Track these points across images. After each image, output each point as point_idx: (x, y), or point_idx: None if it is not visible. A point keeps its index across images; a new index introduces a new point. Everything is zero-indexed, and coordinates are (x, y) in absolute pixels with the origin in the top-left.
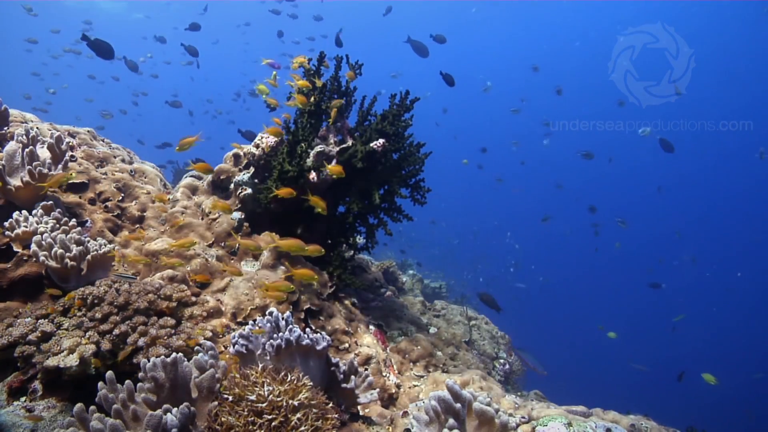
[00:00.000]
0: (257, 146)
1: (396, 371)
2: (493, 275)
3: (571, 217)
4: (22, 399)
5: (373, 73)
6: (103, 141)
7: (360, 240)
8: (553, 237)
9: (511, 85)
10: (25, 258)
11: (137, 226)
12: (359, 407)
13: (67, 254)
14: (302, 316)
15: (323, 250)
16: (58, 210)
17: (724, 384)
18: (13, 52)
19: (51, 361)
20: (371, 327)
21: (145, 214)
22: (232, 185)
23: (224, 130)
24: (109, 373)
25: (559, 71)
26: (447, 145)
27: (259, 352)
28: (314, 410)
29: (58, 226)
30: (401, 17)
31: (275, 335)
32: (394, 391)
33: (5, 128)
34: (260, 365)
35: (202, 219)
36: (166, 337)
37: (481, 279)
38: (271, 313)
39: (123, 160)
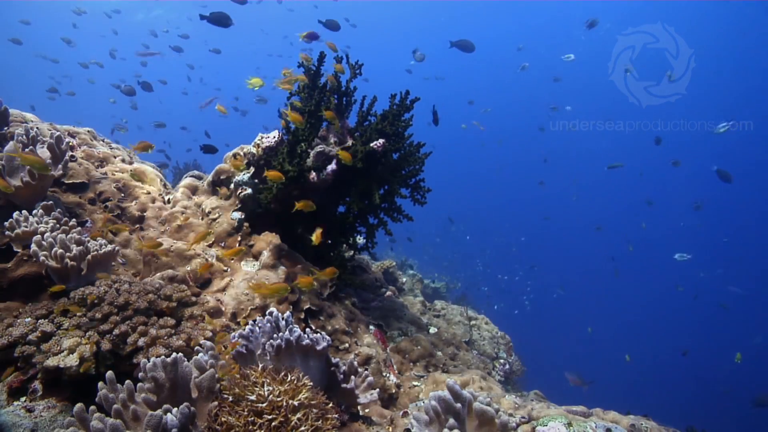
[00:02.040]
0: (257, 146)
1: (396, 371)
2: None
3: (574, 218)
4: (22, 399)
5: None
6: (103, 141)
7: (360, 240)
8: (556, 237)
9: (512, 85)
10: (25, 258)
11: (137, 225)
12: (359, 407)
13: (67, 254)
14: (302, 316)
15: (337, 272)
16: (58, 210)
17: (724, 384)
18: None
19: (51, 361)
20: (371, 327)
21: (145, 214)
22: (232, 185)
23: (227, 128)
24: (109, 373)
25: (559, 71)
26: (449, 147)
27: (259, 352)
28: (314, 410)
29: (58, 226)
30: (400, 16)
31: (275, 335)
32: (394, 391)
33: (5, 128)
34: (260, 365)
35: (202, 219)
36: (166, 337)
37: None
38: (271, 313)
39: (123, 160)
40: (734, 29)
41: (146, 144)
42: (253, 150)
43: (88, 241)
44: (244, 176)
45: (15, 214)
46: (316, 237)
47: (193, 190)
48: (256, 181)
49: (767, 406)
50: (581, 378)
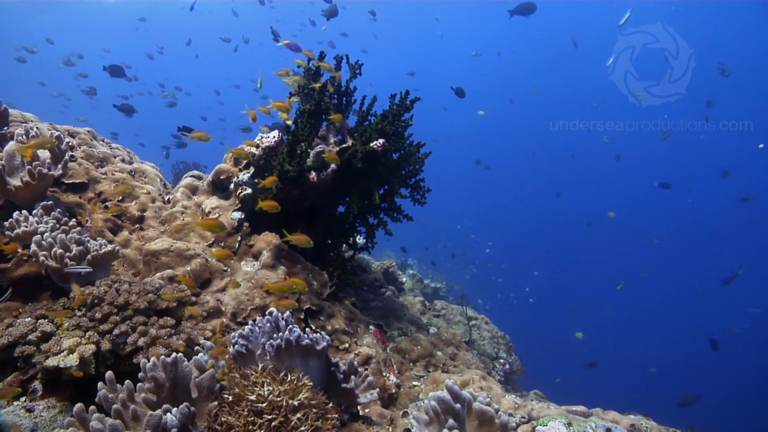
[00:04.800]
0: (257, 146)
1: (396, 371)
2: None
3: (575, 217)
4: (22, 399)
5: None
6: (102, 141)
7: (360, 240)
8: (558, 237)
9: (511, 85)
10: (25, 258)
11: (137, 226)
12: (359, 407)
13: (67, 254)
14: (302, 316)
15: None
16: (58, 210)
17: (724, 384)
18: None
19: (51, 361)
20: (371, 327)
21: (145, 214)
22: (232, 185)
23: (229, 127)
24: (109, 373)
25: (559, 71)
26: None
27: (259, 352)
28: (314, 410)
29: (58, 226)
30: (403, 16)
31: (275, 335)
32: (394, 391)
33: (5, 128)
34: (260, 365)
35: (202, 219)
36: (166, 337)
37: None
38: (271, 313)
39: (123, 160)
40: (734, 29)
41: (203, 134)
42: (253, 150)
43: (88, 241)
44: (244, 176)
45: (15, 214)
46: (297, 238)
47: (193, 190)
48: (256, 181)
49: (690, 405)
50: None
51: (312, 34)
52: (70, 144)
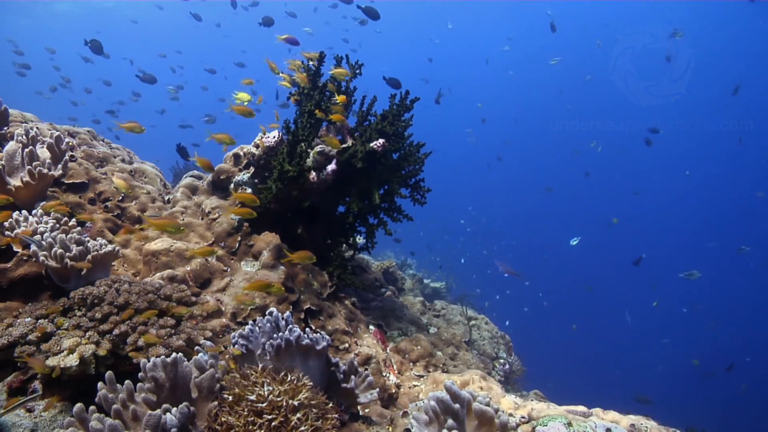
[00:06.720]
0: (257, 146)
1: (396, 371)
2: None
3: (573, 217)
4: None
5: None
6: (102, 141)
7: (360, 240)
8: (556, 239)
9: (511, 84)
10: (25, 258)
11: (137, 226)
12: (359, 407)
13: (67, 254)
14: (302, 316)
15: (312, 255)
16: None
17: (725, 384)
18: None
19: (51, 361)
20: (371, 327)
21: (145, 214)
22: (232, 185)
23: (227, 127)
24: (109, 373)
25: (559, 71)
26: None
27: (259, 352)
28: (314, 410)
29: (58, 226)
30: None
31: (275, 335)
32: (394, 391)
33: (5, 128)
34: (260, 365)
35: (202, 219)
36: (166, 337)
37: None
38: (271, 313)
39: (123, 160)
40: (734, 29)
41: (206, 162)
42: (253, 150)
43: (88, 241)
44: (244, 176)
45: (15, 214)
46: (299, 256)
47: (193, 190)
48: (256, 181)
49: (648, 403)
50: (511, 268)
51: (322, 34)
52: (70, 144)
